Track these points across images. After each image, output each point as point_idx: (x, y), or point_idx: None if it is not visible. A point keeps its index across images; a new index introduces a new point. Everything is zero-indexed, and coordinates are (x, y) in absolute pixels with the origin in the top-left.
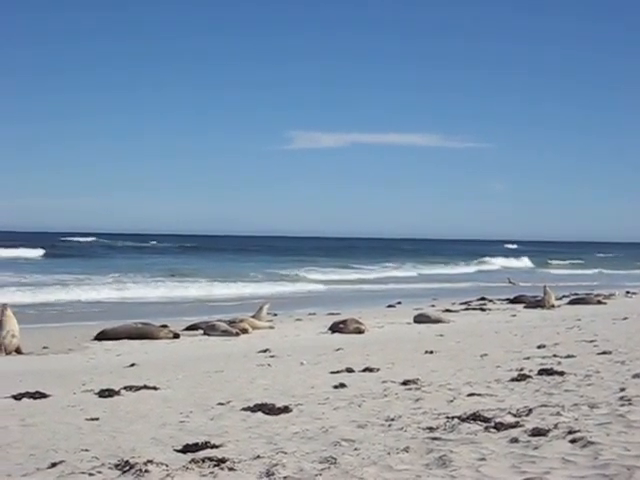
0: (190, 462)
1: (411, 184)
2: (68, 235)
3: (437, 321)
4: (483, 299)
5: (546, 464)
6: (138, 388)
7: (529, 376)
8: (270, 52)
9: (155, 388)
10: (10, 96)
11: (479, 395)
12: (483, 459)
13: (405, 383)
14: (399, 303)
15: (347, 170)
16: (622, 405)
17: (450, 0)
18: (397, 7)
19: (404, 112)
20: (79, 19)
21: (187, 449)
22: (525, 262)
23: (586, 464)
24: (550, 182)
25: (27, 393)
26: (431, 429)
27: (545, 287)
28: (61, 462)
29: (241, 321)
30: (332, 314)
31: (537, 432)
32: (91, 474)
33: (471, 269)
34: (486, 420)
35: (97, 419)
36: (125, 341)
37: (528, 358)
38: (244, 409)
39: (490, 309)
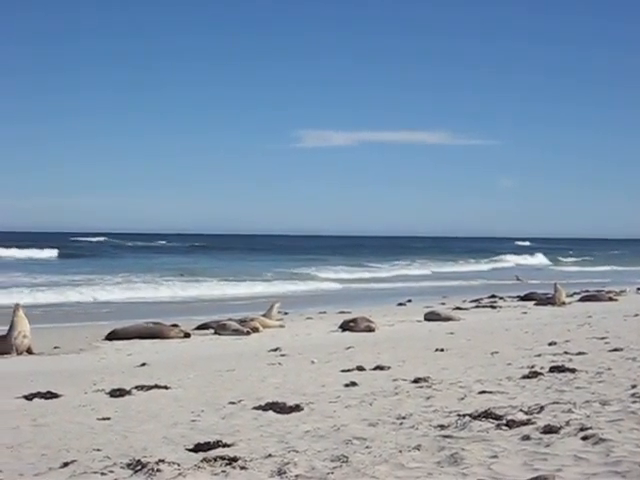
0: (202, 461)
1: (420, 181)
2: (78, 235)
3: (448, 319)
4: (494, 296)
5: (558, 461)
6: (149, 387)
7: (540, 373)
8: (279, 51)
9: (166, 387)
10: (13, 95)
11: (490, 393)
12: (495, 457)
13: (416, 381)
14: (409, 301)
15: (356, 168)
16: (634, 402)
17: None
18: (406, 6)
19: (413, 110)
20: (80, 18)
21: (199, 448)
22: (540, 259)
23: (598, 461)
24: (559, 179)
25: (39, 393)
26: (442, 427)
27: (556, 284)
28: (73, 462)
29: (252, 320)
30: (342, 312)
31: (549, 429)
32: (103, 474)
33: (485, 267)
34: (498, 418)
35: (108, 419)
36: (136, 341)
37: (539, 355)
38: (255, 408)
39: (501, 306)
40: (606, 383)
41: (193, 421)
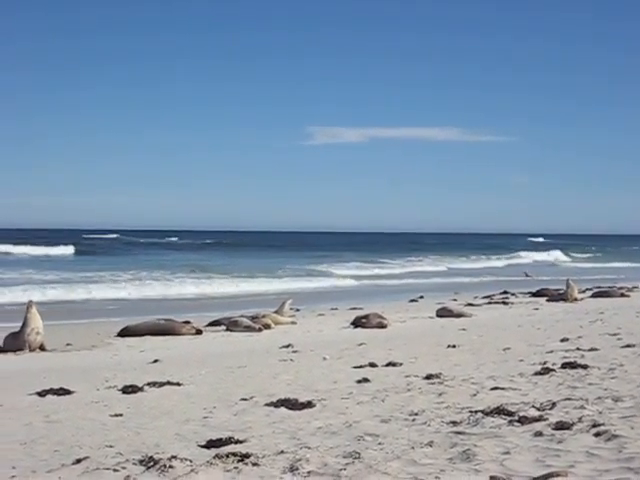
0: (214, 457)
1: (431, 178)
2: (91, 233)
3: (459, 315)
4: (505, 293)
5: (570, 458)
6: (161, 384)
7: (552, 369)
8: (290, 47)
9: (178, 384)
10: (22, 91)
11: (502, 389)
12: (507, 453)
13: (428, 377)
14: (421, 297)
15: (367, 165)
16: None
17: None
18: (418, 3)
19: (424, 106)
20: (81, 16)
21: (211, 444)
22: (557, 255)
23: (610, 457)
24: (572, 175)
25: (51, 390)
26: (455, 423)
27: (568, 280)
28: (86, 458)
29: (264, 317)
30: (354, 309)
31: (561, 426)
32: (115, 470)
33: (500, 263)
34: (510, 414)
35: (121, 415)
36: (148, 337)
37: (551, 352)
38: (267, 404)
39: (512, 303)
40: (618, 379)
41: (205, 418)
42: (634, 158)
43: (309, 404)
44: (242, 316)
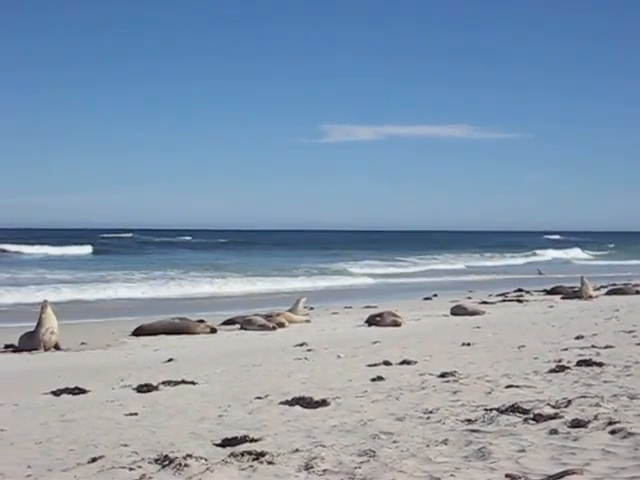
0: (229, 456)
1: (446, 175)
2: (107, 232)
3: (474, 313)
4: (520, 290)
5: (586, 455)
6: (176, 383)
7: (567, 367)
8: (304, 45)
9: (193, 383)
10: (36, 88)
11: (517, 387)
12: (522, 451)
13: (443, 375)
14: (435, 295)
15: (381, 162)
16: None
17: None
18: (430, 1)
19: (438, 104)
20: (81, 15)
21: (226, 443)
22: (576, 253)
23: (626, 455)
24: (585, 172)
25: (66, 389)
26: (470, 421)
27: (582, 278)
28: (101, 457)
29: (278, 315)
30: (368, 307)
31: (576, 423)
32: (131, 469)
33: (520, 261)
34: (525, 412)
35: (136, 414)
36: (162, 336)
37: (566, 349)
38: (282, 403)
39: (527, 300)
40: (634, 377)
41: (220, 416)
42: None
43: (324, 402)
44: (256, 315)
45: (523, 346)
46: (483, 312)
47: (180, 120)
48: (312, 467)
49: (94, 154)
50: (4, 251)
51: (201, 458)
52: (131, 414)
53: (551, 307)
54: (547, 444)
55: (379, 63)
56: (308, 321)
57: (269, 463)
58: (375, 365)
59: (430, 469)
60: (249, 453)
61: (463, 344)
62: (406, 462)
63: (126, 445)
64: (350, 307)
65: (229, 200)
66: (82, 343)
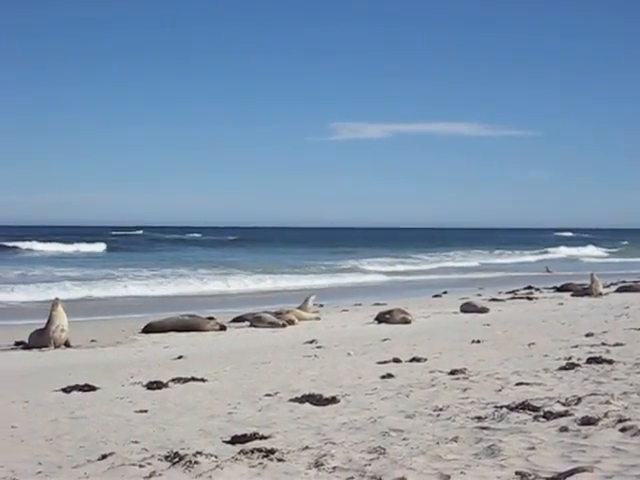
0: (239, 453)
1: (455, 172)
2: (117, 229)
3: (483, 310)
4: (530, 288)
5: (596, 453)
6: (186, 380)
7: (577, 365)
8: (313, 43)
9: (203, 380)
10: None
11: (527, 384)
12: (532, 448)
13: (453, 373)
14: (445, 293)
15: (391, 160)
16: None
17: None
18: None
19: (448, 101)
20: (82, 14)
21: (236, 440)
22: (591, 250)
23: (637, 453)
24: (596, 169)
25: (76, 386)
26: (480, 419)
27: (592, 275)
28: (111, 454)
29: (287, 312)
30: (378, 304)
31: (587, 421)
32: (141, 466)
33: (531, 258)
34: (535, 409)
35: (146, 411)
36: (172, 333)
37: (576, 346)
38: (292, 400)
39: (537, 298)
40: None
41: (230, 413)
42: None
43: (333, 400)
44: (266, 312)
45: (533, 343)
46: (488, 310)
47: (190, 118)
48: (322, 464)
49: (106, 152)
50: (16, 248)
51: (211, 455)
52: (141, 411)
53: (561, 304)
54: (557, 441)
55: (389, 61)
56: (318, 318)
57: (279, 460)
58: (385, 362)
59: (440, 466)
60: (259, 450)
61: (473, 341)
62: (416, 459)
63: (136, 442)
64: (360, 304)
65: (239, 198)
66: (92, 340)
